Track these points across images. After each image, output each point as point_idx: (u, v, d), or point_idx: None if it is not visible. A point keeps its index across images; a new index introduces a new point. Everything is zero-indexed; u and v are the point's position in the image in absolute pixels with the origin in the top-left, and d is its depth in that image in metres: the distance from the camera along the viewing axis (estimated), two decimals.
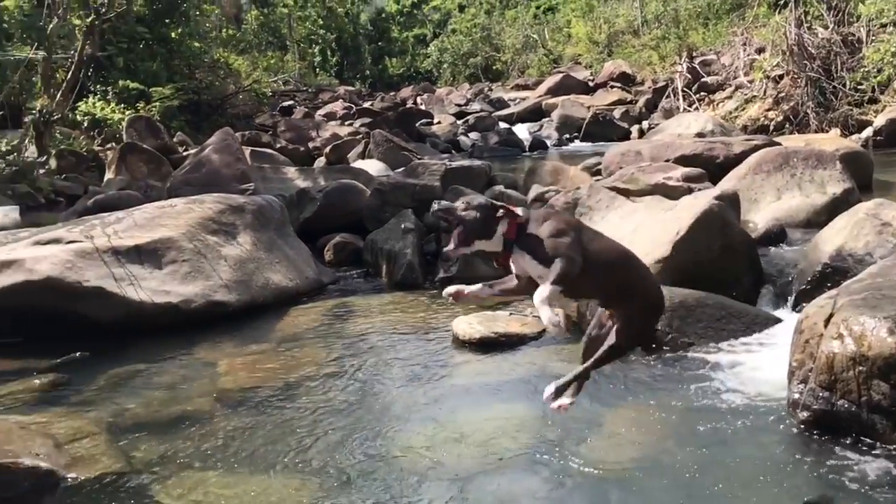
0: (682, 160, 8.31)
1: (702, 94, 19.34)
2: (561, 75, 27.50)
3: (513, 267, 2.77)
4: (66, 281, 5.93)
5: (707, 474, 3.49)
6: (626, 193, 6.99)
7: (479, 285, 2.79)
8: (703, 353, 4.86)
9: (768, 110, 16.27)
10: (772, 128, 15.48)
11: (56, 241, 6.38)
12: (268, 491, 3.53)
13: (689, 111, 18.01)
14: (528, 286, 2.75)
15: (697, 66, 20.25)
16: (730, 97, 18.22)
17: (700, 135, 11.41)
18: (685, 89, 19.55)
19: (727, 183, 7.11)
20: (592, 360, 2.89)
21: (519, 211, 2.75)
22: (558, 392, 2.83)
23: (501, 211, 2.74)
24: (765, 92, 16.61)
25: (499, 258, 2.77)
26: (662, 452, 3.74)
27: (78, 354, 5.61)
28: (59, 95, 18.17)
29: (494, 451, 3.83)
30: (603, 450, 3.82)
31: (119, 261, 6.25)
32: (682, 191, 6.67)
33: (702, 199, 5.95)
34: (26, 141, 17.30)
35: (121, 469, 3.81)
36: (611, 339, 2.84)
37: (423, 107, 27.44)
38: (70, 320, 5.97)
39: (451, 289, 2.79)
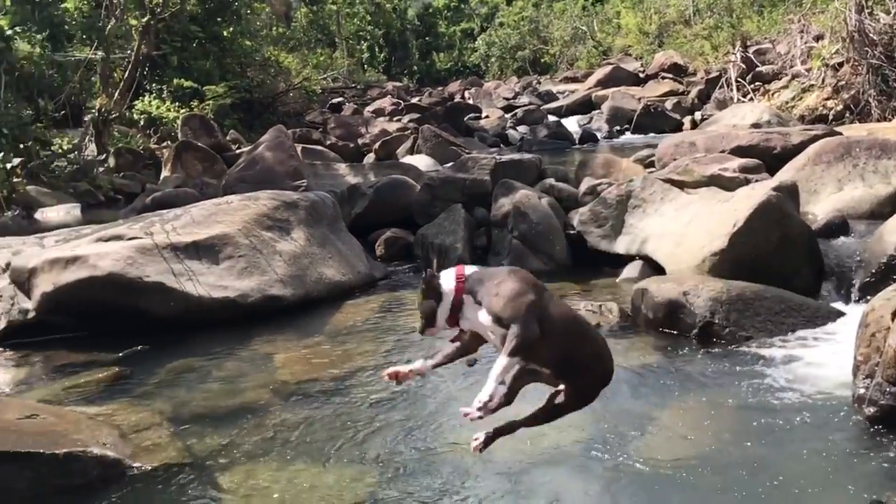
0: (738, 151, 8.14)
1: (756, 83, 18.89)
2: (610, 67, 27.19)
3: (461, 323, 2.58)
4: (127, 276, 6.09)
5: (767, 472, 3.42)
6: (680, 185, 6.88)
7: (419, 361, 2.60)
8: (762, 348, 4.76)
9: (827, 99, 15.80)
10: (831, 117, 15.03)
11: (118, 237, 6.57)
12: (323, 481, 3.59)
13: (743, 101, 17.62)
14: (471, 342, 2.63)
15: (752, 56, 19.77)
16: (786, 86, 17.75)
17: (756, 125, 11.16)
18: (739, 79, 19.12)
19: (785, 174, 6.94)
20: (530, 416, 2.77)
21: (466, 270, 2.58)
22: (487, 442, 2.70)
23: (428, 272, 2.59)
24: (823, 80, 16.12)
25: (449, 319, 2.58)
26: (719, 448, 3.68)
27: (140, 348, 5.78)
28: (116, 94, 18.65)
29: (547, 445, 3.81)
30: (658, 445, 3.78)
31: (178, 257, 6.40)
32: (738, 182, 6.54)
33: (759, 191, 5.83)
34: (86, 140, 17.82)
35: (182, 459, 3.91)
36: (556, 400, 2.68)
37: (470, 101, 27.42)
38: (132, 315, 6.13)
39: (388, 370, 2.61)
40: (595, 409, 4.19)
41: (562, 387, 2.64)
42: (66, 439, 3.77)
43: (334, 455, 3.85)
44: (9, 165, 13.63)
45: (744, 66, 19.42)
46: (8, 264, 6.55)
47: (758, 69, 19.10)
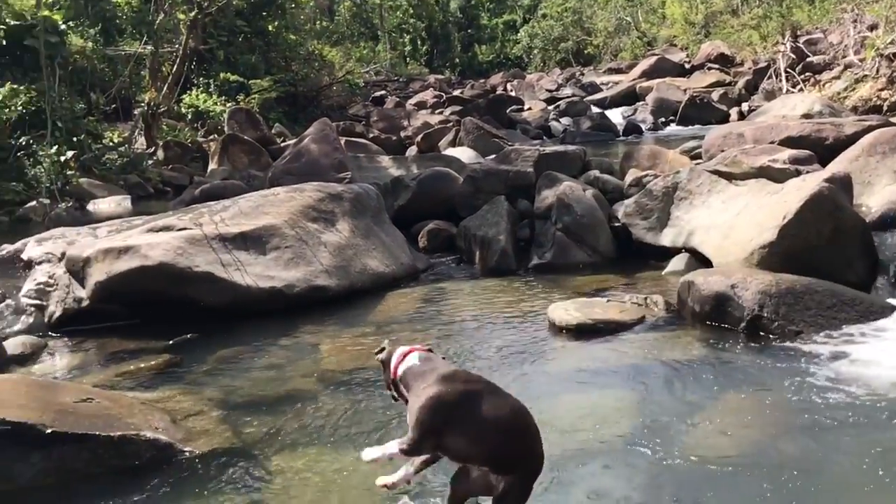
0: (788, 142, 7.95)
1: (806, 74, 18.47)
2: (655, 58, 26.86)
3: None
4: (177, 266, 6.22)
5: (812, 470, 3.35)
6: (728, 177, 6.77)
7: (402, 469, 2.73)
8: (812, 343, 4.67)
9: (881, 90, 15.37)
10: (885, 108, 14.62)
11: (168, 228, 6.71)
12: (366, 468, 3.60)
13: (792, 92, 17.23)
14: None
15: (802, 46, 19.34)
16: (838, 77, 17.32)
17: (807, 116, 10.90)
18: (788, 70, 18.73)
19: (838, 165, 6.77)
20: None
21: (410, 360, 2.74)
22: (396, 485, 2.74)
23: (382, 355, 2.81)
24: (877, 71, 15.69)
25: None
26: (764, 444, 3.62)
27: (189, 336, 5.90)
28: (165, 88, 19.03)
29: (591, 437, 3.80)
30: (701, 439, 3.73)
31: (226, 247, 6.51)
32: (788, 173, 6.41)
33: (811, 182, 5.70)
34: (136, 133, 18.22)
35: (231, 444, 3.99)
36: (490, 493, 2.65)
37: (513, 93, 27.32)
38: (181, 304, 6.26)
39: (380, 481, 2.74)
40: (639, 401, 4.19)
41: (501, 482, 2.63)
42: (120, 422, 3.88)
43: (378, 443, 3.87)
44: (63, 158, 14.01)
45: (794, 56, 19.02)
46: (63, 254, 6.74)
47: (808, 59, 18.68)
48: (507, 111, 21.65)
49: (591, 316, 5.42)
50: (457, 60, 46.20)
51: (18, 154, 14.04)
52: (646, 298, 5.77)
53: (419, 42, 45.96)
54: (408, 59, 44.25)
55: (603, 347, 5.09)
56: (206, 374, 5.15)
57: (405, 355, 2.76)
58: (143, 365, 5.35)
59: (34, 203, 12.99)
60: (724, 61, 24.67)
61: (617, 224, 7.45)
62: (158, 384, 4.99)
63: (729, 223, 6.23)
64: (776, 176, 6.47)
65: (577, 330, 5.34)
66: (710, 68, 24.23)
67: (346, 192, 7.74)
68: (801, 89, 17.58)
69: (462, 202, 8.64)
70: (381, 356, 2.87)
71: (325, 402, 4.47)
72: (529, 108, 23.30)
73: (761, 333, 4.89)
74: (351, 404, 4.40)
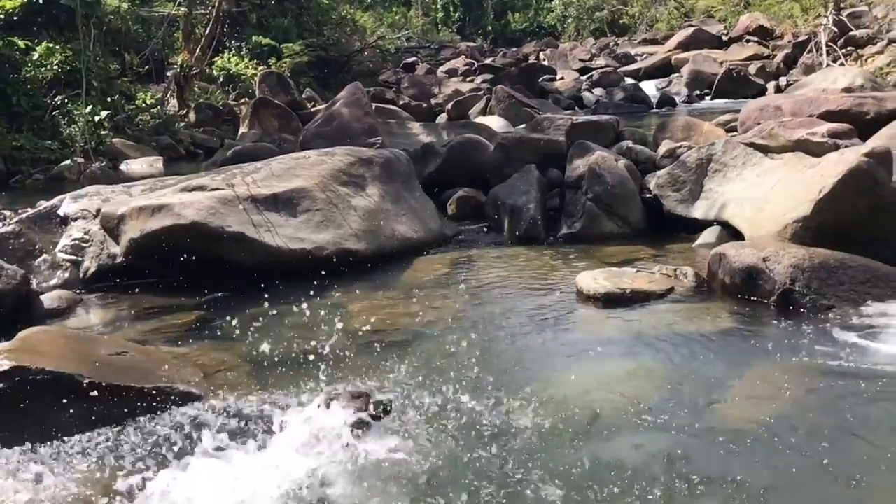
0: (828, 115, 7.78)
1: (848, 48, 18.01)
2: (692, 29, 26.32)
3: None
4: (210, 226, 6.29)
5: (841, 443, 3.34)
6: (764, 150, 6.66)
7: None
8: (845, 317, 4.61)
9: None
10: None
11: (201, 188, 6.77)
12: (388, 430, 3.64)
13: (833, 67, 16.82)
14: None
15: (845, 19, 18.82)
16: (881, 52, 16.88)
17: (848, 90, 10.64)
18: (830, 44, 18.26)
19: (879, 140, 6.62)
20: None
21: None
22: None
23: None
24: None
25: None
26: (793, 416, 3.59)
27: (220, 294, 5.99)
28: (197, 51, 19.09)
29: (617, 407, 3.80)
30: (730, 410, 3.73)
31: (258, 208, 6.57)
32: (827, 147, 6.28)
33: (849, 156, 5.59)
34: (168, 95, 18.34)
35: (257, 401, 4.04)
36: None
37: (545, 62, 26.98)
38: (213, 263, 6.34)
39: None
40: (665, 371, 4.18)
41: None
42: (154, 375, 3.97)
43: (405, 403, 3.92)
44: (97, 118, 14.18)
45: (836, 29, 18.55)
46: (98, 210, 6.85)
47: (851, 33, 18.21)
48: (540, 80, 21.41)
49: (620, 285, 5.40)
50: (489, 28, 45.58)
51: (54, 113, 14.22)
52: (675, 270, 5.72)
53: (451, 9, 45.39)
54: (440, 25, 43.77)
55: (630, 317, 5.08)
56: (237, 332, 5.21)
57: None
58: (175, 321, 5.45)
59: (69, 161, 13.19)
60: (762, 34, 24.10)
61: (648, 195, 7.38)
62: (189, 340, 5.09)
63: (763, 196, 6.14)
64: (814, 150, 6.35)
65: (605, 299, 5.33)
66: (748, 41, 23.70)
67: (376, 156, 7.75)
68: (841, 64, 17.16)
69: (492, 170, 8.60)
70: None
71: (354, 360, 4.52)
72: (562, 78, 23.01)
73: (792, 307, 4.84)
74: (379, 364, 4.45)
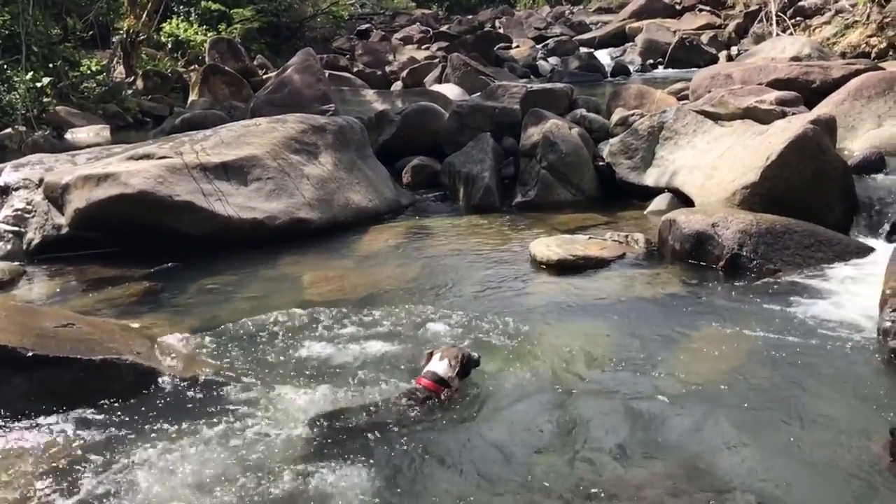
0: (776, 84, 7.91)
1: (797, 18, 18.25)
2: None
3: None
4: (157, 195, 6.16)
5: (788, 401, 3.44)
6: (714, 117, 6.74)
7: None
8: (790, 280, 4.74)
9: (871, 36, 15.23)
10: (873, 55, 14.50)
11: (148, 156, 6.61)
12: (342, 398, 3.64)
13: (782, 36, 17.05)
14: None
15: None
16: (828, 22, 17.13)
17: (796, 59, 10.81)
18: (779, 13, 18.48)
19: (824, 108, 6.76)
20: None
21: None
22: None
23: None
24: (868, 17, 15.53)
25: None
26: (742, 376, 3.69)
27: (170, 264, 5.88)
28: (144, 16, 18.50)
29: (571, 371, 3.86)
30: (677, 371, 3.79)
31: (207, 177, 6.44)
32: (774, 115, 6.39)
33: (795, 123, 5.70)
34: (114, 61, 17.78)
35: (211, 372, 3.99)
36: None
37: (501, 30, 26.84)
38: (162, 233, 6.22)
39: None
40: (616, 335, 4.25)
41: None
42: (102, 347, 3.88)
43: (359, 373, 3.91)
44: (38, 84, 13.68)
45: (786, 0, 18.75)
46: (41, 180, 6.64)
47: (800, 3, 18.45)
48: (495, 48, 21.29)
49: (572, 252, 5.45)
50: None
51: None
52: (627, 236, 5.79)
53: None
54: None
55: (582, 283, 5.14)
56: (187, 303, 5.15)
57: None
58: (123, 292, 5.34)
59: (9, 130, 12.73)
60: (715, 3, 24.31)
61: (601, 163, 7.44)
62: (139, 311, 5.00)
63: (713, 164, 6.23)
64: (762, 117, 6.45)
65: (558, 266, 5.37)
66: (700, 10, 23.89)
67: (329, 124, 7.65)
68: (790, 33, 17.39)
69: (447, 138, 8.56)
70: None
71: (306, 332, 4.48)
72: (517, 46, 22.93)
73: (739, 272, 4.95)
74: (332, 334, 4.42)
